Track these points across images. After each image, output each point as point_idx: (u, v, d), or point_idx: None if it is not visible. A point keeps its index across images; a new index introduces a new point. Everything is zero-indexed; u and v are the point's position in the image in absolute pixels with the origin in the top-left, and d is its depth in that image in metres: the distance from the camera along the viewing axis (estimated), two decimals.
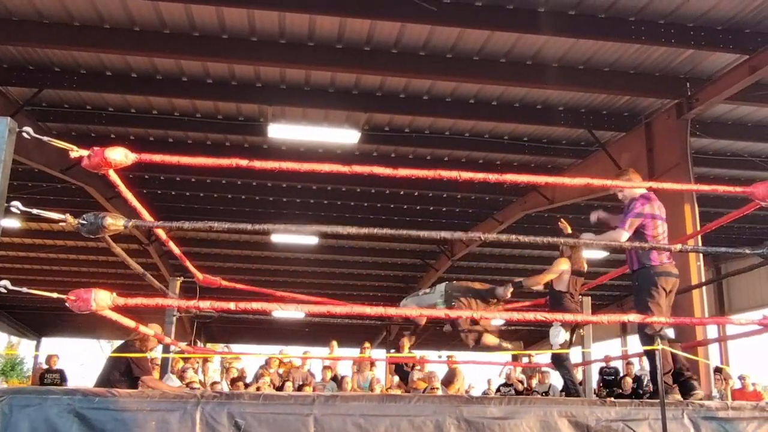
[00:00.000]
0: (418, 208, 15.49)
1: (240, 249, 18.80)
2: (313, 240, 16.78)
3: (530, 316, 4.68)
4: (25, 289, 4.28)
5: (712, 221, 6.58)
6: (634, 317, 5.11)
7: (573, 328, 6.23)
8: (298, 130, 11.08)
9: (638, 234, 5.10)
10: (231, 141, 12.37)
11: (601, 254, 16.20)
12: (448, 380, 11.47)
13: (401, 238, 16.23)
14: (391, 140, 12.17)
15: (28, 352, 31.71)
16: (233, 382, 11.17)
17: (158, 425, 4.03)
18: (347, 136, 11.28)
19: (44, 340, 28.57)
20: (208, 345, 26.67)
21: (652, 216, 5.14)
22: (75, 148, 4.37)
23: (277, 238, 16.64)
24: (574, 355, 6.70)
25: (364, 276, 20.98)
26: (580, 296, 6.78)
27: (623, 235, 5.03)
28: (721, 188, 5.26)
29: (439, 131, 11.91)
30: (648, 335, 5.00)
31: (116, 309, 4.38)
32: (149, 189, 14.02)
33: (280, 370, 12.12)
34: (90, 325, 23.02)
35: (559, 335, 6.07)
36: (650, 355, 5.06)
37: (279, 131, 11.12)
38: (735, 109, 10.78)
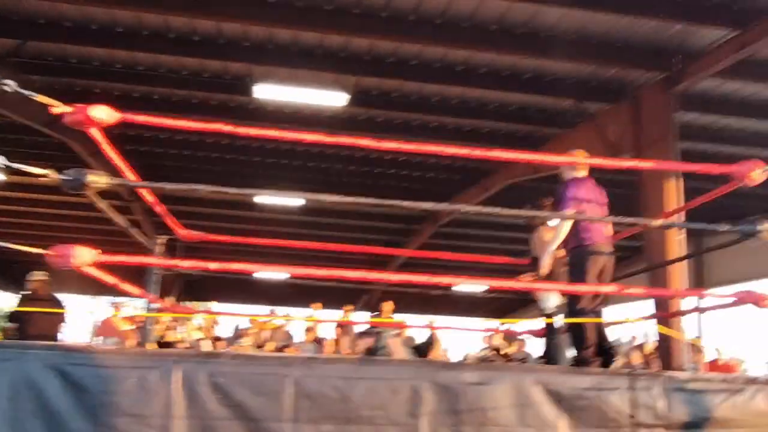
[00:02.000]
0: (404, 172, 15.49)
1: (225, 208, 18.72)
2: (298, 202, 16.75)
3: (509, 284, 4.74)
4: (6, 244, 4.29)
5: (697, 195, 6.62)
6: (612, 288, 5.20)
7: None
8: (285, 91, 10.99)
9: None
10: (216, 100, 12.26)
11: None
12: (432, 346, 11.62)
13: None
14: (379, 105, 12.11)
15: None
16: (215, 341, 11.25)
17: (138, 382, 4.07)
18: (335, 99, 11.21)
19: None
20: (191, 303, 26.79)
21: (587, 200, 5.37)
22: (57, 103, 4.35)
23: (261, 200, 16.59)
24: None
25: (348, 239, 20.99)
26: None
27: (569, 216, 5.30)
28: (704, 167, 5.33)
29: (427, 97, 11.86)
30: (574, 311, 5.24)
31: (97, 266, 4.40)
32: (133, 146, 13.88)
33: (263, 332, 12.21)
34: (73, 281, 22.95)
35: (550, 298, 6.13)
36: (574, 328, 5.34)
37: (265, 92, 11.04)
38: (722, 85, 10.80)
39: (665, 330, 8.76)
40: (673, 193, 9.42)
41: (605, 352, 5.41)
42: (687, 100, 10.77)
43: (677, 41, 9.58)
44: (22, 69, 10.91)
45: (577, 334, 5.39)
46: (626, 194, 14.55)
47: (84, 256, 4.21)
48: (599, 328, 5.49)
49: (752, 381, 4.78)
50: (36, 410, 3.91)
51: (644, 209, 9.90)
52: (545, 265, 5.48)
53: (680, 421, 4.56)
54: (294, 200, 16.32)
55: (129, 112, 4.49)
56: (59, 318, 9.59)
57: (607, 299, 6.52)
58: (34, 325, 9.03)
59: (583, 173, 5.63)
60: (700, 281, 18.38)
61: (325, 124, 12.50)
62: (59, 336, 9.48)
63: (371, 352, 10.08)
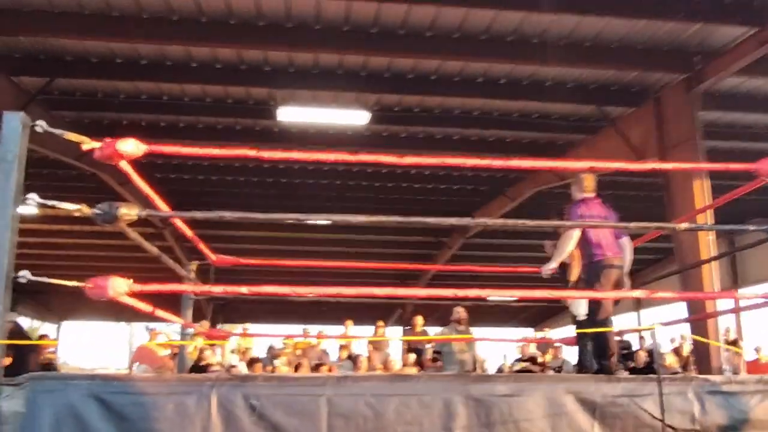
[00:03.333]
0: (429, 186, 15.55)
1: (254, 230, 18.93)
2: (326, 221, 16.88)
3: (539, 294, 4.77)
4: (45, 279, 4.43)
5: (725, 194, 6.58)
6: (641, 293, 5.21)
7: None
8: (307, 113, 11.16)
9: (582, 235, 5.60)
10: (241, 125, 12.46)
11: None
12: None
13: (413, 215, 16.30)
14: (401, 120, 12.21)
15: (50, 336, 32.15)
16: (250, 363, 11.34)
17: (175, 408, 4.17)
18: (357, 118, 11.34)
19: (64, 324, 28.97)
20: (226, 326, 27.01)
21: (590, 217, 5.62)
22: (87, 140, 4.49)
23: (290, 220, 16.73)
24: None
25: (378, 255, 21.08)
26: None
27: (570, 234, 5.52)
28: (726, 166, 5.33)
29: (448, 110, 11.93)
30: (596, 321, 5.47)
31: (132, 294, 4.52)
32: (162, 173, 14.16)
33: (297, 351, 12.30)
34: (109, 308, 23.31)
35: (581, 305, 6.10)
36: (597, 338, 5.62)
37: (289, 114, 11.21)
38: (745, 82, 10.72)
39: (698, 335, 8.66)
40: (700, 193, 9.34)
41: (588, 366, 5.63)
42: (710, 99, 10.72)
43: (697, 41, 9.55)
44: (52, 105, 11.22)
45: (599, 344, 5.56)
46: (652, 196, 14.52)
47: (119, 287, 4.33)
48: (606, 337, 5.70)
49: None
50: None
51: (671, 211, 9.84)
52: (562, 270, 5.65)
53: (716, 424, 4.54)
54: (322, 221, 16.45)
55: (156, 141, 4.64)
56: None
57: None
58: None
59: (590, 194, 5.86)
60: (734, 280, 18.15)
61: (348, 142, 12.64)
62: None
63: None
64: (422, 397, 4.36)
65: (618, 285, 5.62)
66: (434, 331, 12.31)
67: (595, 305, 5.56)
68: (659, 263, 20.72)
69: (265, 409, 4.21)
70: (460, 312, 9.61)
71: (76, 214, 4.43)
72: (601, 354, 5.59)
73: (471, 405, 4.38)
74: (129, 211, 4.43)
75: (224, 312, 25.94)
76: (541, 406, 4.43)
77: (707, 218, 8.89)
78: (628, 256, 5.81)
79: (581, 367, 6.34)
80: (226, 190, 15.56)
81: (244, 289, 4.79)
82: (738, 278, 18.26)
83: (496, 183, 15.24)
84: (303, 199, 15.67)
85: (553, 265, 5.67)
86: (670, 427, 4.47)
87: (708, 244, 9.16)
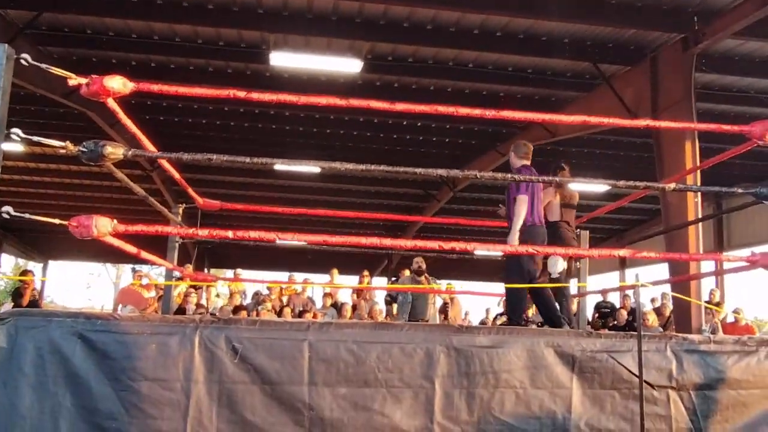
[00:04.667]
0: (420, 138, 15.46)
1: (243, 176, 18.87)
2: (315, 169, 16.81)
3: (523, 249, 4.78)
4: (27, 215, 4.39)
5: (714, 157, 6.58)
6: (625, 251, 5.23)
7: (569, 257, 6.42)
8: (300, 59, 10.99)
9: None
10: (233, 68, 12.27)
11: (602, 188, 16.29)
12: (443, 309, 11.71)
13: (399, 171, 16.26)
14: (394, 70, 12.06)
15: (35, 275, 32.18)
16: (236, 310, 11.38)
17: (158, 348, 4.20)
18: (349, 65, 11.19)
19: (51, 263, 28.97)
20: (213, 270, 27.09)
21: (532, 185, 5.87)
22: (73, 75, 4.40)
23: (279, 166, 16.66)
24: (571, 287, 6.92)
25: (367, 205, 21.09)
26: (578, 229, 7.07)
27: (525, 198, 5.76)
28: (719, 126, 5.30)
29: (442, 62, 11.78)
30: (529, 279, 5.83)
31: (117, 235, 4.50)
32: (152, 115, 14.00)
33: (283, 298, 12.36)
34: (95, 249, 23.29)
35: (557, 264, 6.23)
36: (555, 294, 6.10)
37: (281, 59, 11.03)
38: (742, 45, 10.61)
39: (678, 296, 8.76)
40: (691, 155, 9.35)
41: (558, 321, 5.82)
42: (706, 61, 10.61)
43: (696, 0, 9.42)
44: (39, 41, 11.00)
45: (536, 301, 6.05)
46: (643, 157, 14.51)
47: (103, 226, 4.30)
48: (563, 299, 6.20)
49: (765, 342, 4.81)
50: (60, 375, 4.05)
51: (660, 171, 9.85)
52: (514, 239, 5.72)
53: (692, 381, 4.62)
54: (311, 167, 16.38)
55: (145, 81, 4.55)
56: None
57: (577, 273, 6.81)
58: None
59: (527, 162, 6.08)
60: (719, 243, 18.30)
61: (340, 91, 12.49)
62: None
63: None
64: (404, 346, 4.41)
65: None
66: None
67: (531, 265, 5.86)
68: (644, 224, 20.88)
69: (247, 351, 4.25)
70: (419, 262, 9.81)
71: (62, 152, 4.35)
72: (541, 312, 6.01)
73: (452, 355, 4.43)
74: (115, 150, 4.37)
75: (210, 257, 26.00)
76: (521, 358, 4.49)
77: (696, 180, 8.91)
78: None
79: (552, 324, 6.44)
80: (216, 134, 15.42)
81: (229, 233, 4.77)
82: (723, 242, 18.42)
83: (488, 138, 15.18)
84: (293, 147, 15.59)
85: (515, 234, 5.74)
86: (646, 383, 4.55)
87: (694, 206, 9.20)
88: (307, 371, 4.26)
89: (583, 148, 15.30)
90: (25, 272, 13.68)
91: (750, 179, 16.21)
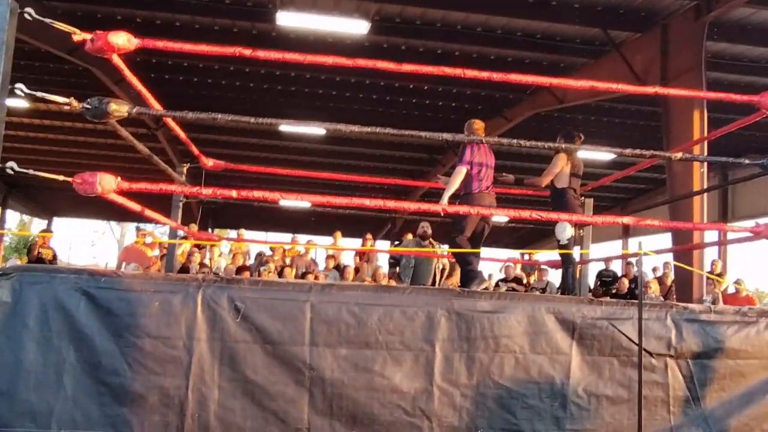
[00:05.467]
0: (427, 102, 15.37)
1: (249, 137, 18.81)
2: (320, 131, 16.75)
3: (526, 214, 4.77)
4: (31, 171, 4.39)
5: (722, 128, 6.53)
6: (628, 219, 5.23)
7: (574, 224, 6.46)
8: (306, 19, 10.86)
9: (467, 173, 6.17)
10: (239, 27, 12.14)
11: (607, 156, 16.23)
12: (448, 273, 11.73)
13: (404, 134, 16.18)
14: (402, 32, 11.93)
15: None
16: (239, 271, 11.43)
17: (161, 306, 4.23)
18: (356, 27, 11.07)
19: (56, 220, 29.07)
20: (217, 231, 27.19)
21: (479, 161, 6.22)
22: (77, 31, 4.36)
23: (285, 128, 16.61)
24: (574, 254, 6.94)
25: (371, 168, 21.05)
26: (582, 197, 7.13)
27: (462, 170, 6.12)
28: (727, 95, 5.25)
29: (450, 25, 11.65)
30: (455, 240, 6.10)
31: (121, 193, 4.50)
32: (156, 73, 13.90)
33: (286, 259, 12.40)
34: (100, 206, 23.33)
35: (566, 230, 6.29)
36: (564, 260, 6.38)
37: (288, 19, 10.91)
38: (755, 14, 10.44)
39: (680, 265, 8.77)
40: (698, 125, 9.28)
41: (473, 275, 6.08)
42: (718, 29, 10.47)
43: None
44: None
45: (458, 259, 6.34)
46: (650, 126, 14.41)
47: (107, 183, 4.30)
48: (570, 265, 6.40)
49: (765, 313, 4.83)
50: (63, 331, 4.09)
51: (668, 140, 9.80)
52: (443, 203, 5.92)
53: (691, 350, 4.65)
54: (316, 129, 16.31)
55: (152, 38, 4.52)
56: None
57: (581, 241, 7.02)
58: None
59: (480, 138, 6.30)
60: (724, 214, 18.27)
61: (347, 52, 12.36)
62: None
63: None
64: (406, 309, 4.44)
65: (486, 217, 6.28)
66: None
67: (461, 224, 6.13)
68: (649, 193, 20.83)
69: (249, 311, 4.28)
70: (425, 227, 9.85)
71: (66, 108, 4.35)
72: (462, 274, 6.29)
73: (453, 319, 4.46)
74: (119, 108, 4.36)
75: (215, 217, 26.03)
76: (521, 324, 4.52)
77: (703, 150, 8.87)
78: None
79: (563, 290, 6.47)
80: (222, 94, 15.35)
81: (233, 193, 4.77)
82: (728, 213, 18.37)
83: (494, 103, 15.07)
84: (299, 109, 15.49)
85: (444, 200, 5.98)
86: (646, 351, 4.58)
87: (700, 176, 9.16)
88: (309, 332, 4.29)
89: (591, 116, 15.18)
90: (45, 231, 13.74)
91: (758, 150, 16.14)
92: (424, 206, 6.39)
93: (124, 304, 4.19)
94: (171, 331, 4.19)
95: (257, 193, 4.67)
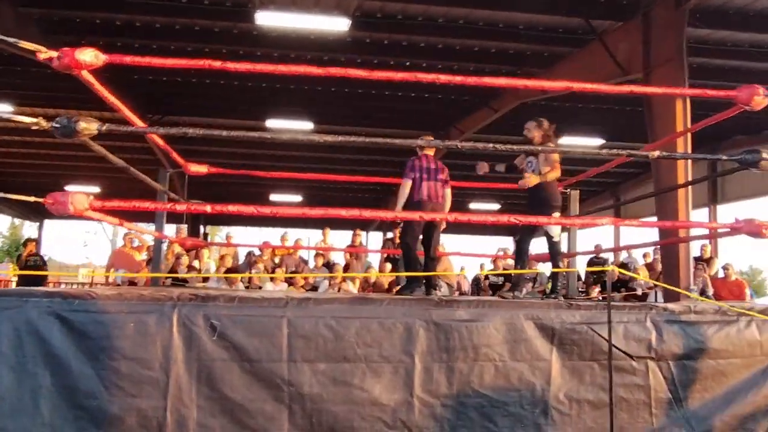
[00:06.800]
0: (413, 95, 15.29)
1: (236, 146, 18.66)
2: (308, 125, 16.61)
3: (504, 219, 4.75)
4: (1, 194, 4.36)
5: (709, 111, 6.48)
6: (606, 221, 5.22)
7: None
8: (286, 18, 10.76)
9: (412, 183, 6.44)
10: (219, 27, 12.01)
11: (595, 143, 16.24)
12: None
13: (395, 123, 16.16)
14: (384, 28, 11.82)
15: (31, 234, 32.30)
16: (228, 272, 11.41)
17: (136, 326, 4.20)
18: (337, 24, 10.97)
19: (47, 222, 28.93)
20: (209, 227, 27.15)
21: (422, 173, 6.49)
22: (43, 49, 4.32)
23: (270, 124, 16.45)
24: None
25: (358, 161, 20.96)
26: (568, 188, 7.28)
27: (407, 183, 6.44)
28: (704, 92, 5.24)
29: (432, 18, 11.56)
30: (403, 241, 6.49)
31: (97, 209, 4.47)
32: (140, 75, 13.79)
33: (276, 259, 12.37)
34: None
35: (555, 227, 6.29)
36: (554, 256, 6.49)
37: (267, 18, 10.80)
38: None
39: (669, 256, 8.77)
40: (680, 115, 9.23)
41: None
42: (701, 15, 10.41)
43: None
44: (20, 2, 10.74)
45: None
46: (637, 111, 14.38)
47: (80, 203, 4.27)
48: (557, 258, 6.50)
49: (745, 312, 4.82)
50: (38, 355, 4.05)
51: (651, 130, 9.76)
52: (397, 211, 6.31)
53: (672, 352, 4.64)
54: (304, 124, 16.19)
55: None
56: None
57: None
58: None
59: (429, 152, 6.74)
60: (714, 197, 18.28)
61: (330, 48, 12.33)
62: None
63: None
64: (383, 321, 4.42)
65: (431, 223, 6.50)
66: None
67: (406, 227, 6.51)
68: (639, 177, 20.83)
69: (225, 329, 4.25)
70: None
71: (34, 128, 4.31)
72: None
73: (432, 329, 4.44)
74: (88, 126, 4.32)
75: (207, 215, 25.92)
76: (500, 331, 4.50)
77: (686, 140, 8.84)
78: (447, 204, 6.64)
79: (554, 283, 6.47)
80: (206, 92, 15.21)
81: (207, 208, 4.75)
82: (718, 196, 18.39)
83: (481, 93, 14.98)
84: (283, 105, 15.39)
85: (398, 209, 6.32)
86: (626, 353, 4.58)
87: (685, 166, 9.14)
88: (286, 347, 4.27)
89: (578, 103, 15.13)
90: (27, 241, 13.75)
91: (745, 131, 16.13)
92: (401, 215, 6.43)
93: (99, 326, 4.16)
94: (147, 351, 4.16)
95: (232, 207, 4.64)
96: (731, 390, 4.69)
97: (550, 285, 7.38)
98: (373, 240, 25.59)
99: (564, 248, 7.25)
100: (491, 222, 4.66)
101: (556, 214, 6.28)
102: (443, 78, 5.11)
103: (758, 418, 4.69)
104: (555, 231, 6.36)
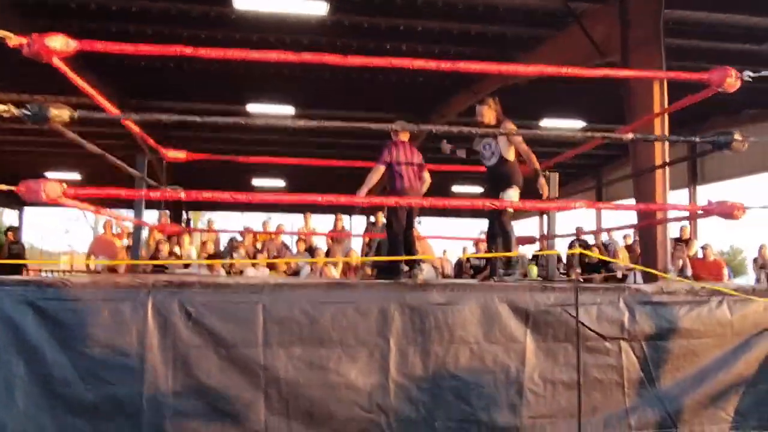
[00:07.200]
0: (394, 79, 15.26)
1: (217, 131, 18.56)
2: (289, 110, 16.53)
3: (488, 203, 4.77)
4: None
5: (687, 91, 6.50)
6: (581, 204, 5.25)
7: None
8: (264, 1, 10.70)
9: (390, 171, 6.51)
10: (197, 11, 11.91)
11: (577, 125, 16.28)
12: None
13: (377, 107, 16.12)
14: (363, 10, 11.79)
15: (12, 221, 32.00)
16: (210, 257, 11.38)
17: (111, 314, 4.18)
18: (315, 7, 10.91)
19: (27, 209, 28.68)
20: (192, 212, 27.02)
21: (398, 160, 6.52)
22: (12, 36, 4.27)
23: (251, 109, 16.36)
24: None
25: (341, 145, 20.90)
26: (547, 171, 7.31)
27: (379, 169, 6.51)
28: (678, 74, 5.29)
29: (411, 1, 11.52)
30: (391, 230, 6.60)
31: (70, 196, 4.46)
32: (117, 60, 13.64)
33: (257, 244, 12.35)
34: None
35: (514, 197, 6.21)
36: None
37: (245, 2, 10.74)
38: None
39: (647, 237, 8.84)
40: (657, 96, 9.29)
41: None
42: None
43: None
44: None
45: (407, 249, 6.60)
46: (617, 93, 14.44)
47: (53, 191, 4.26)
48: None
49: (716, 292, 4.88)
50: (12, 344, 4.04)
51: (630, 111, 9.82)
52: (362, 193, 6.31)
53: (644, 333, 4.69)
54: (286, 109, 16.12)
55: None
56: None
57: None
58: None
59: (404, 137, 6.68)
60: (693, 178, 18.42)
61: (309, 31, 12.27)
62: None
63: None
64: (359, 305, 4.43)
65: (411, 210, 6.63)
66: None
67: (391, 217, 6.62)
68: (619, 159, 20.90)
69: (200, 315, 4.25)
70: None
71: (5, 115, 4.27)
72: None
73: (407, 313, 4.46)
74: (60, 113, 4.31)
75: (188, 200, 25.82)
76: (475, 314, 4.53)
77: (663, 121, 8.90)
78: (424, 188, 6.87)
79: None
80: (186, 76, 15.09)
81: (182, 194, 4.75)
82: (698, 176, 18.53)
83: (462, 77, 14.97)
84: (264, 89, 15.31)
85: (362, 192, 6.31)
86: (599, 334, 4.63)
87: (662, 148, 9.21)
88: (262, 333, 4.28)
89: (559, 85, 15.15)
90: (8, 229, 13.69)
91: (724, 112, 16.23)
92: (377, 200, 6.44)
93: (73, 314, 4.14)
94: (122, 339, 4.16)
95: (206, 194, 4.64)
96: (703, 369, 4.75)
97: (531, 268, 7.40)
98: (357, 224, 25.59)
99: (544, 230, 7.31)
100: (467, 206, 4.69)
101: (514, 192, 6.21)
102: (417, 63, 5.10)
103: (729, 396, 4.77)
104: (512, 194, 6.23)
